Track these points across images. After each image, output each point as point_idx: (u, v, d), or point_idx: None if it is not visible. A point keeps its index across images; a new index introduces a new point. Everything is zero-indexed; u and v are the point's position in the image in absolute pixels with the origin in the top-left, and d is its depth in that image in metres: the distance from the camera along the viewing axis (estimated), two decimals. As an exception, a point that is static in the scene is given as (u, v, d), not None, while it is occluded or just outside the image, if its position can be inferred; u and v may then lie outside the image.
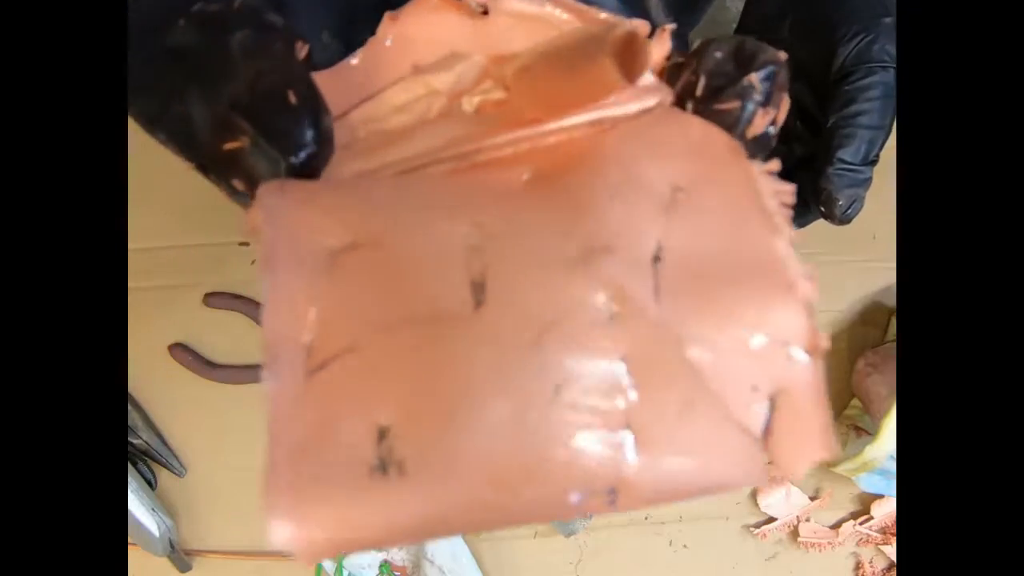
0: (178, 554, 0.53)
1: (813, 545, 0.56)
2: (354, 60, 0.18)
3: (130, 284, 0.54)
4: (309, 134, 0.16)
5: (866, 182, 0.37)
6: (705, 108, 0.17)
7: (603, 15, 0.18)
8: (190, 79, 0.16)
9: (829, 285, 0.57)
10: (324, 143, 0.16)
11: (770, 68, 0.17)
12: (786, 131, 0.41)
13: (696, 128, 0.17)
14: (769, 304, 0.15)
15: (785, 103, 0.18)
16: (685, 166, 0.17)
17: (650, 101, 0.18)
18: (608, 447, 0.13)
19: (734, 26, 0.44)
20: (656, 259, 0.15)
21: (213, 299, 0.55)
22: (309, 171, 0.16)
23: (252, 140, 0.16)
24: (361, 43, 0.22)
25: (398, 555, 0.54)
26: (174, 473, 0.54)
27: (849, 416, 0.57)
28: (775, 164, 0.17)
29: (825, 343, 0.16)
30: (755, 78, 0.17)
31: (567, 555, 0.55)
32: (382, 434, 0.13)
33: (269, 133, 0.15)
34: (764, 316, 0.15)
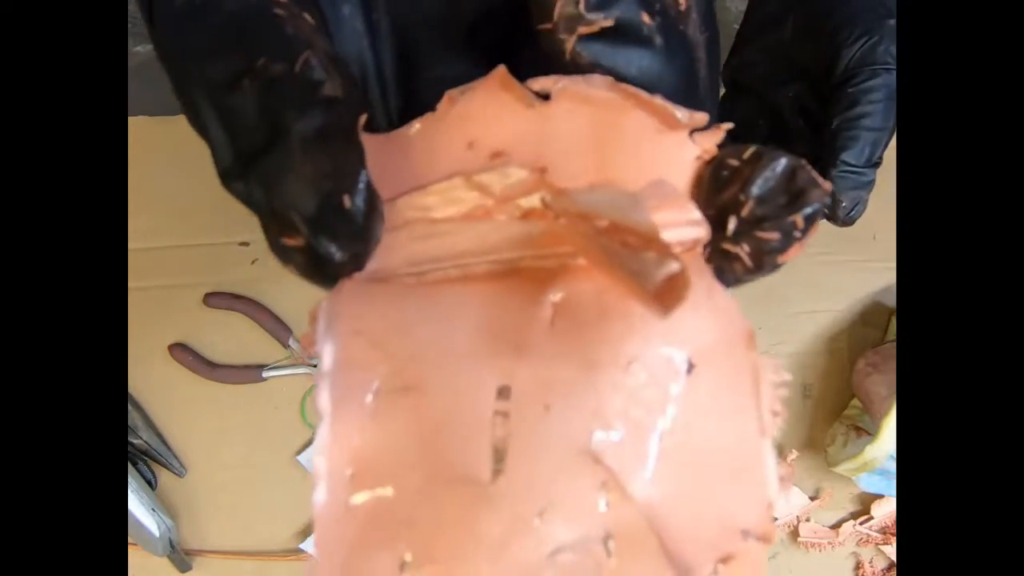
0: (178, 554, 0.53)
1: (813, 545, 0.57)
2: (412, 130, 0.18)
3: (130, 284, 0.54)
4: (361, 245, 0.17)
5: (869, 184, 0.37)
6: (746, 232, 0.18)
7: (669, 108, 0.18)
8: (249, 166, 0.16)
9: (829, 285, 0.57)
10: (372, 245, 0.17)
11: (815, 207, 0.18)
12: (788, 131, 0.41)
13: (721, 300, 0.18)
14: (743, 501, 0.17)
15: (810, 237, 0.18)
16: (703, 342, 0.18)
17: (692, 233, 0.18)
18: None
19: (735, 26, 0.44)
20: (655, 434, 0.17)
21: (213, 299, 0.55)
22: (353, 268, 0.17)
23: (306, 240, 0.16)
24: (411, 91, 0.22)
25: (398, 555, 0.54)
26: (174, 473, 0.54)
27: (849, 416, 0.57)
28: (784, 376, 0.18)
29: (774, 536, 0.18)
30: (800, 219, 0.17)
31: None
32: (403, 567, 0.16)
33: (323, 235, 0.16)
34: (736, 510, 0.17)
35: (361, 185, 0.16)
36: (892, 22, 0.36)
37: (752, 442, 0.18)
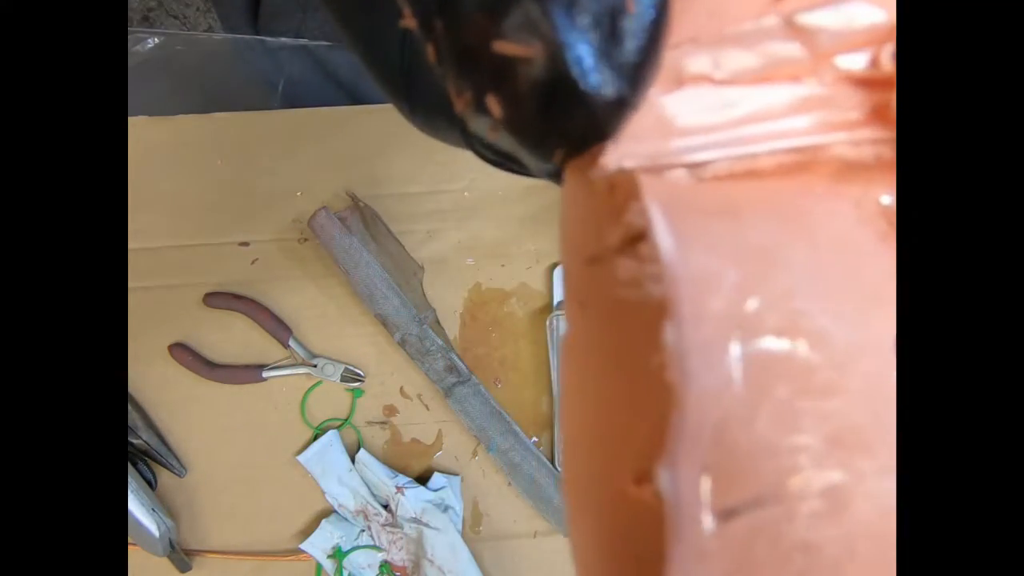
0: (178, 554, 0.53)
1: (813, 545, 0.56)
2: None
3: (130, 284, 0.54)
4: (640, 75, 0.10)
5: None
6: None
7: None
8: None
9: (829, 285, 0.57)
10: (648, 83, 0.11)
11: None
12: None
13: None
14: None
15: None
16: None
17: None
18: None
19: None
20: None
21: (213, 299, 0.55)
22: (618, 117, 0.11)
23: (551, 47, 0.10)
24: None
25: (398, 555, 0.54)
26: (174, 473, 0.54)
27: (849, 416, 0.57)
28: None
29: None
30: None
31: (567, 555, 0.55)
32: None
33: (585, 42, 0.10)
34: None
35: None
36: None
37: None
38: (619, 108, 0.11)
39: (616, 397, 0.12)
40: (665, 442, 0.11)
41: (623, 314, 0.12)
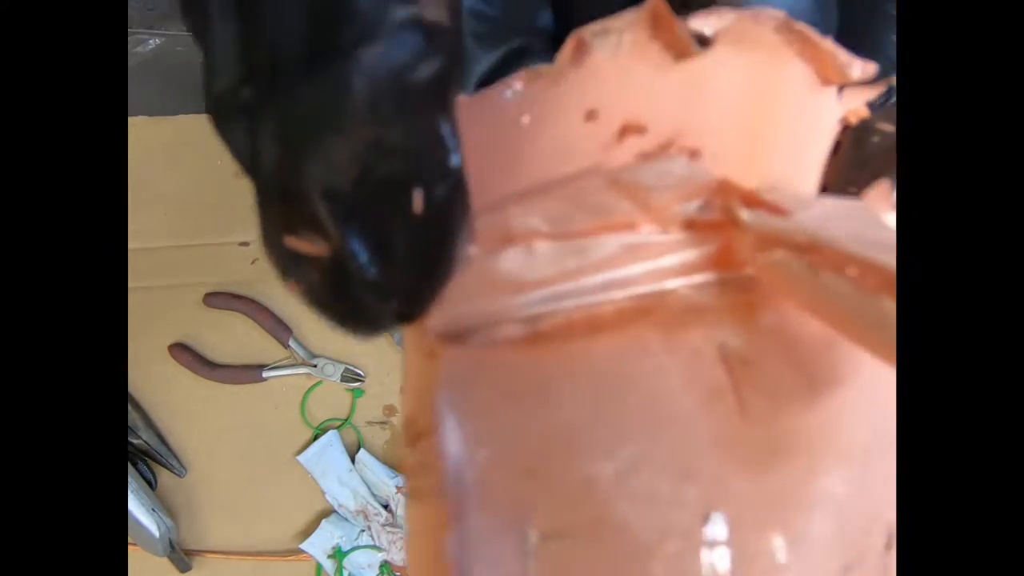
0: (178, 554, 0.53)
1: (813, 545, 0.56)
2: (509, 91, 0.12)
3: (130, 284, 0.54)
4: (430, 279, 0.11)
5: None
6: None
7: (844, 57, 0.14)
8: (267, 92, 0.10)
9: (829, 285, 0.57)
10: (444, 281, 0.11)
11: None
12: None
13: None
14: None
15: None
16: None
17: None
18: None
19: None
20: (887, 546, 0.13)
21: (213, 299, 0.55)
22: (406, 318, 0.11)
23: (333, 252, 0.10)
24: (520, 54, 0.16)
25: (398, 555, 0.54)
26: (174, 473, 0.54)
27: (849, 416, 0.57)
28: None
29: None
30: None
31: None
32: None
33: (365, 249, 0.10)
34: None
35: (450, 170, 0.10)
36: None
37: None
38: (407, 312, 0.11)
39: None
40: None
41: (419, 497, 0.12)
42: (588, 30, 0.12)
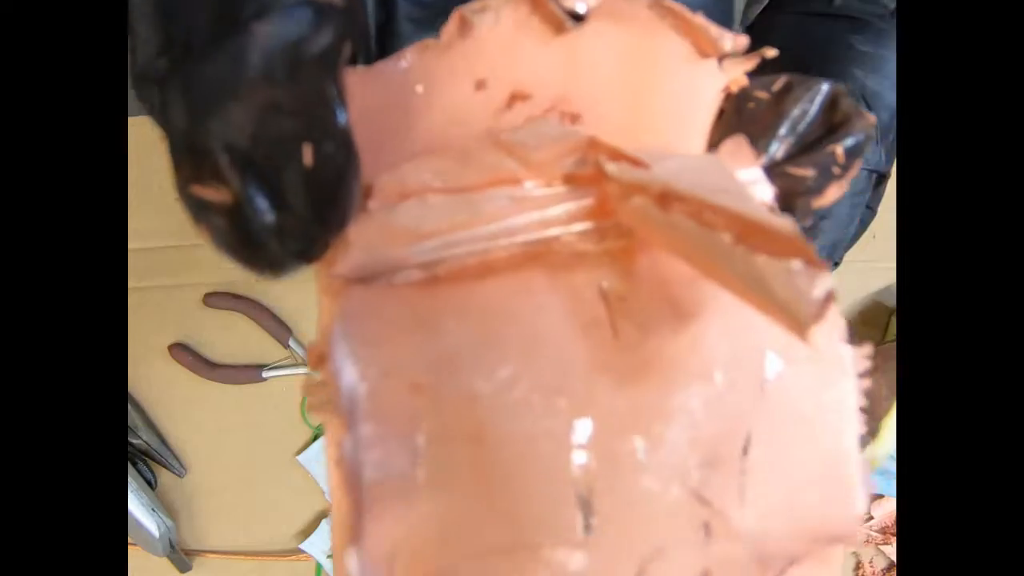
0: (178, 554, 0.53)
1: (813, 545, 0.56)
2: (403, 62, 0.14)
3: (130, 284, 0.54)
4: (322, 225, 0.12)
5: None
6: (777, 168, 0.15)
7: (715, 31, 0.15)
8: (176, 64, 0.11)
9: (829, 285, 0.57)
10: (339, 227, 0.12)
11: (860, 137, 0.15)
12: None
13: None
14: (833, 511, 0.15)
15: (852, 175, 0.16)
16: (791, 340, 0.14)
17: (763, 195, 0.15)
18: None
19: (737, 28, 0.44)
20: (744, 451, 0.14)
21: (213, 299, 0.55)
22: (303, 259, 0.13)
23: (234, 198, 0.11)
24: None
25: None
26: (174, 473, 0.54)
27: (849, 416, 0.57)
28: (868, 350, 0.15)
29: (860, 541, 0.16)
30: (840, 149, 0.15)
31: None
32: None
33: (265, 196, 0.11)
34: (826, 521, 0.15)
35: (337, 129, 0.11)
36: (874, 120, 0.34)
37: (841, 443, 0.15)
38: (304, 253, 0.12)
39: (335, 484, 0.13)
40: (351, 531, 0.12)
41: (327, 414, 0.13)
42: (468, 8, 0.13)
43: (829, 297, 0.11)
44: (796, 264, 0.11)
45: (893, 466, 0.51)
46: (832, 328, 0.15)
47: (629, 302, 0.14)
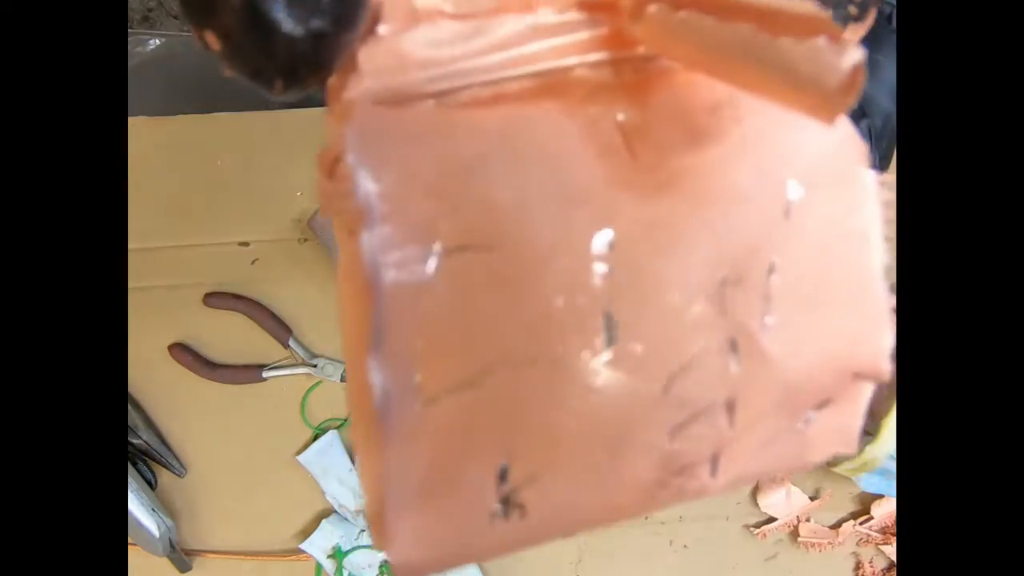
0: (178, 554, 0.53)
1: (813, 545, 0.56)
2: None
3: (130, 284, 0.54)
4: (341, 11, 0.12)
5: None
6: None
7: None
8: None
9: (829, 285, 0.57)
10: (358, 22, 0.12)
11: None
12: None
13: (842, 127, 0.15)
14: (858, 341, 0.15)
15: (870, 20, 0.16)
16: (812, 162, 0.14)
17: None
18: (699, 476, 0.14)
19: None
20: (770, 271, 0.14)
21: (213, 299, 0.55)
22: (326, 61, 0.12)
23: None
24: None
25: (398, 555, 0.54)
26: (174, 473, 0.54)
27: (849, 416, 0.57)
28: (886, 178, 0.15)
29: (887, 376, 0.16)
30: None
31: (567, 555, 0.55)
32: (502, 475, 0.13)
33: None
34: (852, 351, 0.15)
35: None
36: (864, 123, 0.33)
37: (866, 271, 0.15)
38: (318, 41, 0.12)
39: (348, 301, 0.13)
40: (369, 338, 0.12)
41: (342, 227, 0.13)
42: None
43: (857, 69, 0.11)
44: (821, 41, 0.11)
45: (893, 466, 0.51)
46: (854, 151, 0.15)
47: (646, 131, 0.14)
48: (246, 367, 0.55)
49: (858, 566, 0.57)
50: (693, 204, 0.14)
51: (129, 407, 0.54)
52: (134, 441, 0.54)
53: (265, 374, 0.55)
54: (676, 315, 0.13)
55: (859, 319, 0.15)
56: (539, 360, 0.13)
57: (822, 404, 0.15)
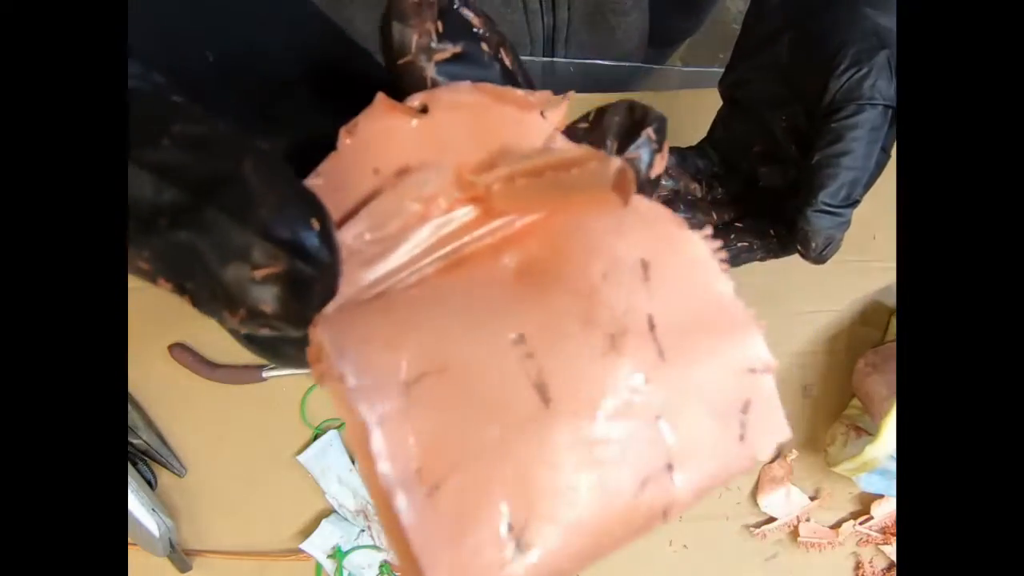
0: (178, 554, 0.53)
1: (813, 545, 0.57)
2: (318, 180, 0.20)
3: (130, 284, 0.54)
4: (336, 267, 0.17)
5: (844, 224, 0.37)
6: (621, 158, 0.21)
7: (522, 93, 0.20)
8: (205, 198, 0.16)
9: (829, 285, 0.57)
10: (341, 268, 0.18)
11: (659, 121, 0.21)
12: (783, 155, 0.41)
13: (641, 205, 0.21)
14: (738, 343, 0.19)
15: (667, 148, 0.22)
16: (643, 238, 0.20)
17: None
18: (662, 484, 0.18)
19: (735, 26, 0.44)
20: (651, 327, 0.19)
21: (213, 299, 0.55)
22: (330, 293, 0.18)
23: (286, 267, 0.16)
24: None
25: (398, 555, 0.54)
26: (174, 473, 0.54)
27: (849, 416, 0.57)
28: (708, 230, 0.21)
29: (774, 363, 0.20)
30: (651, 131, 0.21)
31: (567, 555, 0.55)
32: (509, 529, 0.17)
33: (302, 258, 0.16)
34: (737, 353, 0.19)
35: (320, 206, 0.17)
36: (884, 54, 0.35)
37: (719, 293, 0.20)
38: (333, 282, 0.18)
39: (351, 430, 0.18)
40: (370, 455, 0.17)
41: (329, 388, 0.18)
42: (346, 126, 0.20)
43: (621, 171, 0.16)
44: (593, 163, 0.17)
45: (893, 466, 0.51)
46: (651, 204, 0.20)
47: (525, 261, 0.20)
48: (246, 367, 0.55)
49: (858, 566, 0.57)
50: (577, 294, 0.19)
51: (129, 407, 0.54)
52: (134, 441, 0.54)
53: (265, 374, 0.55)
54: (587, 364, 0.18)
55: (727, 331, 0.19)
56: (508, 429, 0.18)
57: (745, 407, 0.19)
